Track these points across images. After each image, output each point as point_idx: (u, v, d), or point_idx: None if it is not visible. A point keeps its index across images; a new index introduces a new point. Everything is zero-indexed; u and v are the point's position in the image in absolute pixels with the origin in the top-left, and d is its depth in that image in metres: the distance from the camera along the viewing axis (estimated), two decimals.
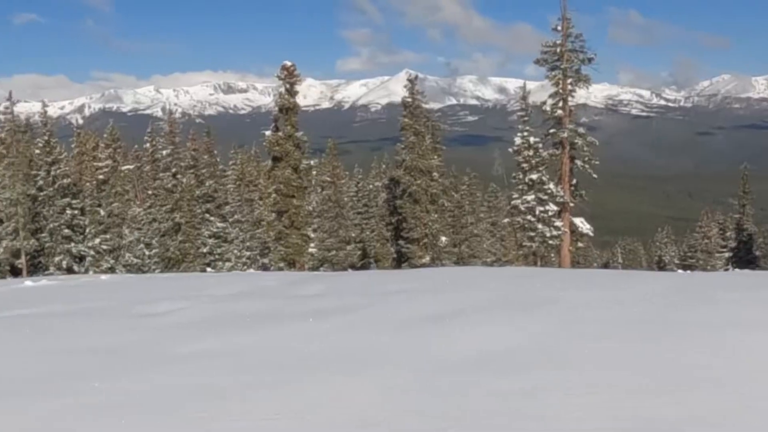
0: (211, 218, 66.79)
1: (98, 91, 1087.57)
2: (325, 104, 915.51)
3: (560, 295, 15.09)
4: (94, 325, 14.35)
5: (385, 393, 8.57)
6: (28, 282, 26.45)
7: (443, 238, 61.99)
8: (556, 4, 45.90)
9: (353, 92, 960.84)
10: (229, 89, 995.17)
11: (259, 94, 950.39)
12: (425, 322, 12.45)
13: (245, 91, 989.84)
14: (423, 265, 55.07)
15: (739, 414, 7.47)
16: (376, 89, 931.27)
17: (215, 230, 66.51)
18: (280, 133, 51.37)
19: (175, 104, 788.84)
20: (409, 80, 59.63)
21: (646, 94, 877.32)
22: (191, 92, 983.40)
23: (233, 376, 9.58)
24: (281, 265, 52.75)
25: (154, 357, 10.94)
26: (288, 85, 51.74)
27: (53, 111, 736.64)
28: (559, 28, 46.17)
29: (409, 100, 58.23)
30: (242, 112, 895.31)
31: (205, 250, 65.01)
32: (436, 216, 59.72)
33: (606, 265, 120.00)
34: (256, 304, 16.54)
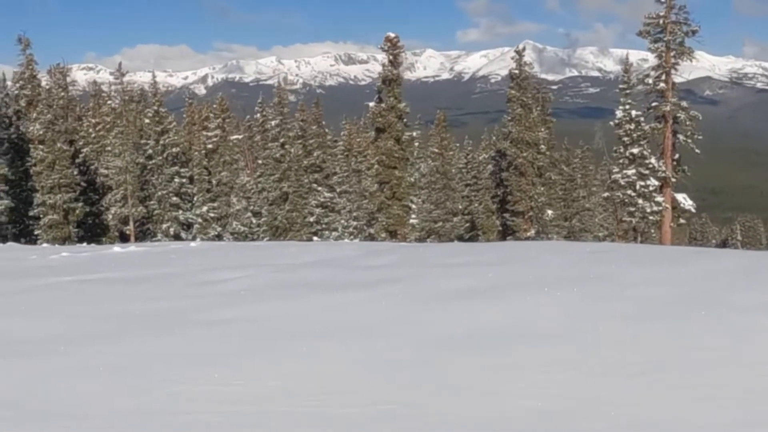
0: (319, 188, 67.75)
1: (221, 62, 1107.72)
2: (445, 75, 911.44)
3: (617, 271, 14.78)
4: (147, 291, 14.81)
5: (364, 363, 8.70)
6: (117, 248, 27.25)
7: (549, 212, 61.33)
8: None
9: (473, 63, 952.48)
10: (349, 60, 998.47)
11: (379, 65, 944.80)
12: (457, 296, 12.46)
13: (366, 62, 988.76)
14: (528, 239, 54.78)
15: (702, 401, 7.29)
16: (497, 60, 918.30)
17: (322, 200, 67.48)
18: (383, 105, 51.64)
19: (297, 75, 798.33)
20: (516, 51, 59.16)
21: None
22: (312, 63, 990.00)
23: (235, 343, 9.86)
24: (383, 235, 53.10)
25: (181, 323, 11.29)
26: (391, 57, 51.99)
27: (177, 81, 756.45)
28: None
29: (516, 71, 57.82)
30: (362, 83, 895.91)
31: (312, 220, 66.03)
32: (542, 189, 59.16)
33: (725, 243, 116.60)
34: (319, 273, 16.78)
